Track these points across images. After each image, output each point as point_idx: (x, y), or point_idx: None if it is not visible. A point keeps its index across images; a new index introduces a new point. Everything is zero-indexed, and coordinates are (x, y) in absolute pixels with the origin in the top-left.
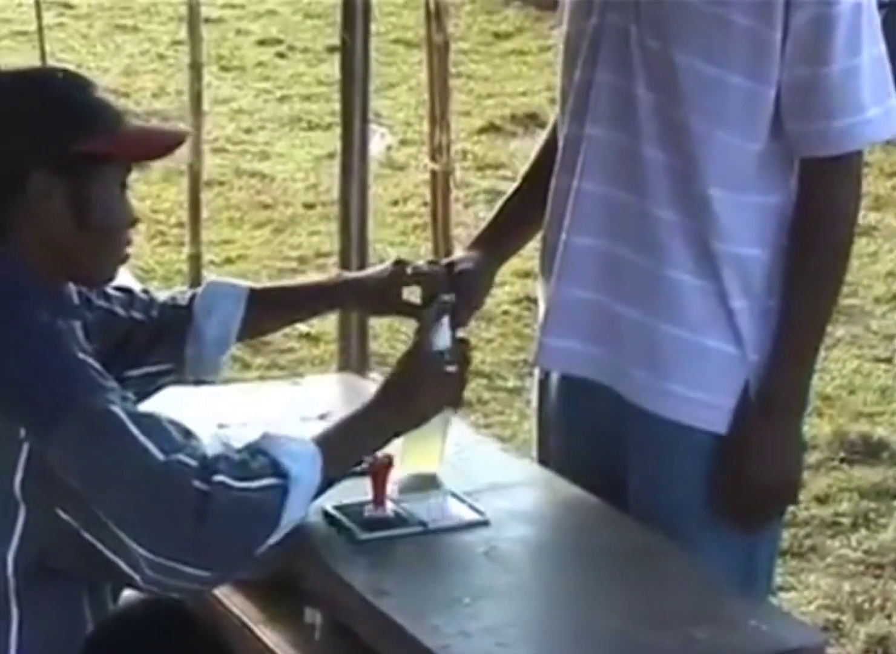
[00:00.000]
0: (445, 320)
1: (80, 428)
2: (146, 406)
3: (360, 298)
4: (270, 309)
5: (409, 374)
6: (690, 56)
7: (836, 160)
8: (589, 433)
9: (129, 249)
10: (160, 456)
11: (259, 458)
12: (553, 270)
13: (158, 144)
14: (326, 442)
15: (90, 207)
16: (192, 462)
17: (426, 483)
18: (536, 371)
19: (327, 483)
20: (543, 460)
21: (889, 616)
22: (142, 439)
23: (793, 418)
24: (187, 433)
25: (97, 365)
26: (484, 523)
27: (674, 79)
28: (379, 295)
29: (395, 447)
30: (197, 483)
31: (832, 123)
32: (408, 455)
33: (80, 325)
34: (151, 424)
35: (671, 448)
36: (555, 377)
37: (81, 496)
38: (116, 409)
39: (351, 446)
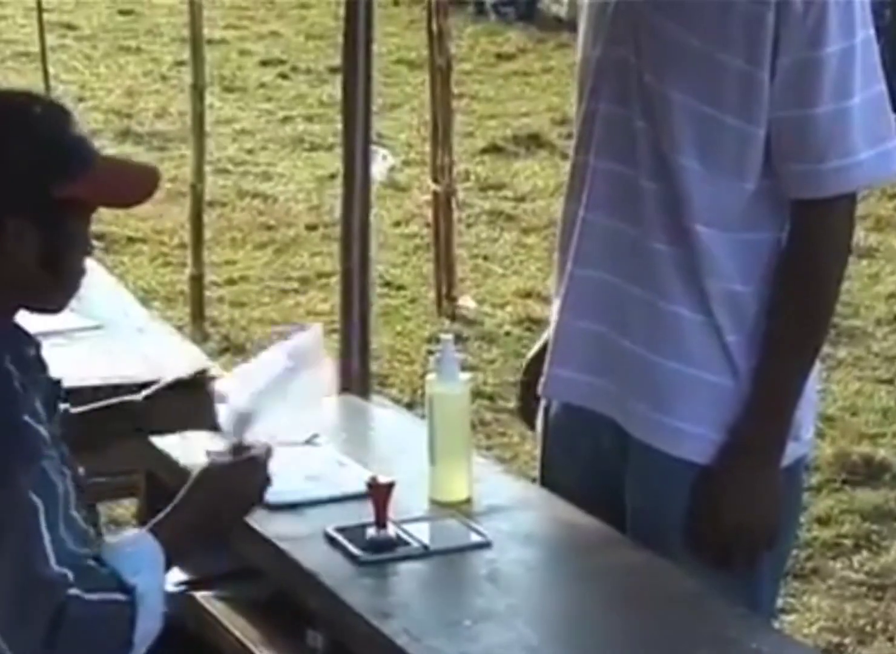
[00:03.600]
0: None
1: (4, 507)
2: None
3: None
4: (84, 435)
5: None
6: (684, 93)
7: (826, 202)
8: (590, 462)
9: (83, 280)
10: (52, 562)
11: (103, 569)
12: (560, 296)
13: (134, 190)
14: (165, 526)
15: (61, 249)
16: (71, 575)
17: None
18: (543, 402)
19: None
20: (544, 484)
21: (891, 639)
22: (46, 542)
23: (767, 463)
24: (85, 537)
25: (41, 430)
26: (485, 545)
27: (668, 114)
28: None
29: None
30: (61, 595)
31: (821, 166)
32: (438, 486)
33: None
34: (66, 522)
35: (669, 480)
36: (557, 405)
37: None
38: (38, 504)
39: (188, 529)
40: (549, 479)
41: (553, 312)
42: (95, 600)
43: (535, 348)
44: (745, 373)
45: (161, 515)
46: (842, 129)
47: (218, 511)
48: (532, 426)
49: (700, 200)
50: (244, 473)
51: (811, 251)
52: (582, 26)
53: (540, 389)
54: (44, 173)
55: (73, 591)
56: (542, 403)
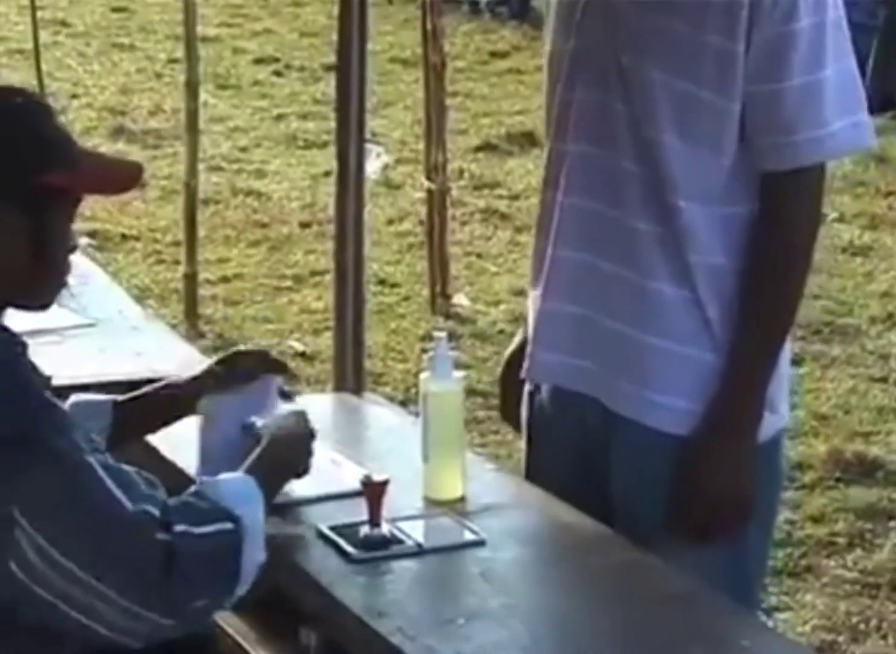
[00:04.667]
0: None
1: (55, 475)
2: None
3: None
4: (129, 425)
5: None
6: (662, 72)
7: (797, 173)
8: (575, 444)
9: (70, 277)
10: (129, 506)
11: (206, 503)
12: (541, 282)
13: (116, 180)
14: (259, 468)
15: (45, 239)
16: (156, 512)
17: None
18: (526, 384)
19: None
20: (530, 471)
21: (885, 637)
22: (113, 489)
23: (743, 434)
24: (152, 484)
25: (62, 406)
26: (479, 544)
27: (648, 94)
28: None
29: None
30: (161, 535)
31: (794, 138)
32: (432, 484)
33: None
34: (121, 475)
35: (654, 454)
36: (544, 389)
37: (41, 545)
38: (90, 459)
39: (277, 471)
40: (535, 464)
41: (532, 298)
42: (204, 532)
43: (512, 347)
44: (726, 347)
45: (252, 457)
46: (814, 100)
47: (293, 458)
48: (515, 426)
49: (681, 176)
50: (301, 426)
51: (782, 223)
52: (551, 23)
53: (523, 373)
54: (26, 162)
55: (180, 527)
56: (527, 388)
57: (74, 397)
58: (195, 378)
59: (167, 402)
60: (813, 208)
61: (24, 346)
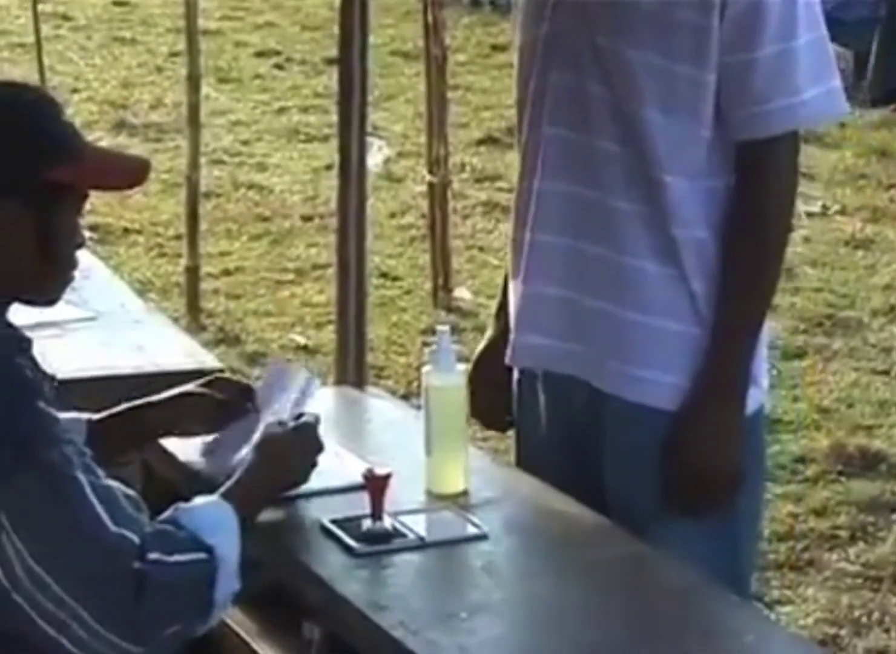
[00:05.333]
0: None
1: (42, 486)
2: None
3: (199, 417)
4: (103, 445)
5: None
6: (639, 49)
7: (771, 142)
8: (565, 425)
9: (76, 272)
10: (111, 527)
11: (180, 532)
12: (521, 268)
13: (123, 175)
14: (234, 493)
15: (53, 234)
16: (136, 539)
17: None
18: (515, 371)
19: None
20: (521, 456)
21: (888, 630)
22: (98, 507)
23: (730, 399)
24: (137, 506)
25: (57, 415)
26: (482, 537)
27: (625, 72)
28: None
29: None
30: (136, 564)
31: (767, 106)
32: (434, 477)
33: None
34: (108, 495)
35: (643, 430)
36: (529, 373)
37: (22, 553)
38: (79, 475)
39: (257, 492)
40: (525, 450)
41: (512, 287)
42: (177, 561)
43: (481, 345)
44: (710, 320)
45: (230, 481)
46: (787, 69)
47: (282, 474)
48: (486, 424)
49: (665, 151)
50: (301, 438)
51: (758, 192)
52: (520, 16)
53: (507, 358)
54: (34, 157)
55: (154, 555)
56: (517, 374)
57: None
58: (171, 399)
59: (142, 424)
60: (788, 176)
61: (28, 342)
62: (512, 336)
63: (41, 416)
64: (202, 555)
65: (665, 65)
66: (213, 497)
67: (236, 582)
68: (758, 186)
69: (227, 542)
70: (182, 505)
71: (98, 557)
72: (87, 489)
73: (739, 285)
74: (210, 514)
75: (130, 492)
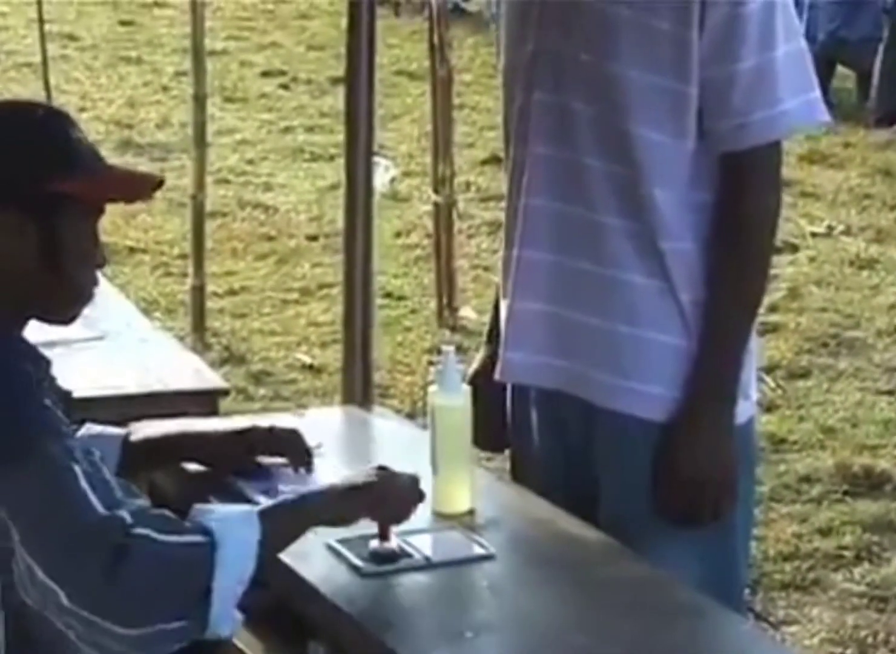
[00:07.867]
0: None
1: (37, 479)
2: None
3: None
4: (137, 463)
5: (384, 485)
6: (622, 65)
7: (752, 152)
8: (558, 440)
9: (96, 290)
10: (100, 509)
11: (187, 522)
12: (508, 285)
13: (133, 188)
14: (272, 510)
15: (61, 247)
16: (127, 518)
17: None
18: (509, 388)
19: (271, 549)
20: (516, 472)
21: (893, 650)
22: (89, 494)
23: (720, 408)
24: (134, 493)
25: (59, 413)
26: (488, 557)
27: (608, 89)
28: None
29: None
30: (121, 538)
31: (748, 118)
32: (441, 497)
33: (45, 369)
34: (104, 486)
35: (635, 442)
36: (520, 389)
37: (19, 544)
38: (75, 466)
39: (297, 518)
40: (520, 466)
41: (502, 304)
42: (167, 541)
43: (473, 367)
44: (698, 331)
45: (267, 505)
46: (768, 80)
47: (376, 508)
48: (484, 446)
49: (651, 165)
50: (409, 484)
51: (741, 202)
52: (503, 38)
53: (497, 374)
54: (43, 167)
55: (141, 530)
56: (510, 391)
57: (88, 426)
58: (218, 436)
59: (180, 448)
60: (770, 186)
61: (46, 362)
62: (500, 352)
63: (46, 411)
64: (199, 538)
65: (648, 79)
66: (245, 507)
67: (242, 581)
68: (740, 196)
69: (232, 531)
70: (197, 505)
71: (79, 536)
72: (81, 478)
73: (725, 296)
74: (229, 511)
75: (133, 488)
